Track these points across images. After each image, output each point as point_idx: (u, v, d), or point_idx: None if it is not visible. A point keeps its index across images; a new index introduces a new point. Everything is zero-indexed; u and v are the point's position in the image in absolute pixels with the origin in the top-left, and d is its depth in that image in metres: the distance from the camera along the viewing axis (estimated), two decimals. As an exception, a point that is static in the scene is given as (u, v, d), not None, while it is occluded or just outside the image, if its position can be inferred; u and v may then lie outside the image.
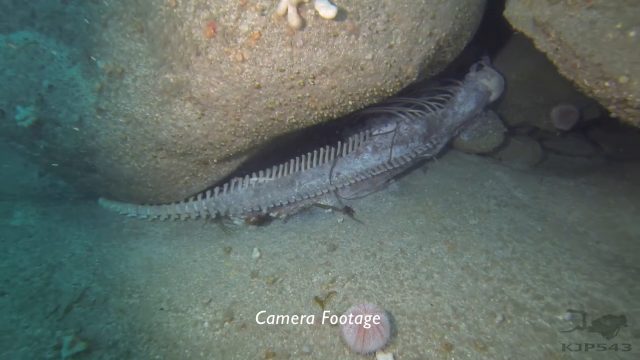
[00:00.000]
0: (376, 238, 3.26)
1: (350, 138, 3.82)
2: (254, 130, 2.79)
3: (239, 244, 3.26)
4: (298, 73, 2.42)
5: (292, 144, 3.88)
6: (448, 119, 4.21)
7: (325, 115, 2.80)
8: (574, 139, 5.37)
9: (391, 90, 2.87)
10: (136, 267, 2.95)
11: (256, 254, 3.08)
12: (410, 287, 2.79)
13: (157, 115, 2.67)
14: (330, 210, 3.58)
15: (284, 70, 2.39)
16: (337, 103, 2.69)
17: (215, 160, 3.07)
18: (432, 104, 4.16)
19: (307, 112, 2.70)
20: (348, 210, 3.51)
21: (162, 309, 2.53)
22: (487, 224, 3.42)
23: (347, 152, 3.76)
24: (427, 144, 4.02)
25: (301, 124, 2.86)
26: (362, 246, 3.17)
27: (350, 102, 2.75)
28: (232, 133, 2.78)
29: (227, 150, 2.97)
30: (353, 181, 3.63)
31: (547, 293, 2.57)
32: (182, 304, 2.64)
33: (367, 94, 2.76)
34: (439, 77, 4.58)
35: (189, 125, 2.69)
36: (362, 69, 2.54)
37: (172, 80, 2.46)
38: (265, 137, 2.94)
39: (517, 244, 3.16)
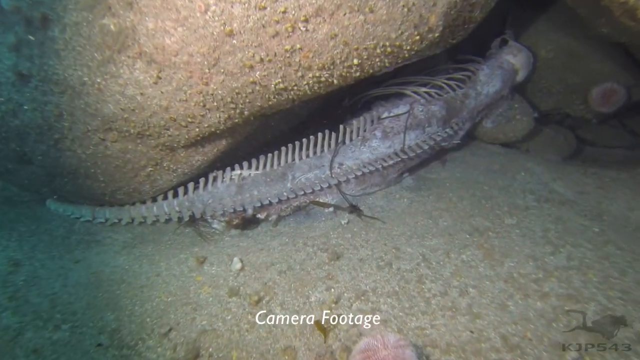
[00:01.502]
0: (391, 243, 2.56)
1: (354, 121, 3.13)
2: (229, 100, 2.10)
3: (217, 253, 2.55)
4: (284, 13, 1.74)
5: (284, 137, 3.19)
6: (470, 100, 3.53)
7: (324, 79, 2.12)
8: (611, 128, 4.68)
9: (408, 48, 2.19)
10: (78, 285, 2.24)
11: (237, 265, 2.38)
12: (439, 306, 2.09)
13: (98, 80, 1.98)
14: (331, 209, 2.88)
15: (264, 9, 1.72)
16: (338, 61, 2.01)
17: (182, 144, 2.38)
18: (451, 83, 3.48)
19: (299, 74, 2.02)
20: (354, 209, 2.81)
21: (100, 344, 1.83)
22: (528, 223, 2.72)
23: (351, 139, 3.07)
24: (447, 130, 3.33)
25: (292, 93, 2.18)
26: (374, 253, 2.46)
27: (355, 62, 2.07)
28: (201, 104, 2.10)
29: (197, 130, 2.28)
30: (359, 173, 2.94)
31: (633, 317, 1.86)
32: (132, 335, 1.93)
33: (378, 50, 2.08)
34: (455, 56, 3.91)
35: (142, 94, 2.01)
36: (371, 10, 1.86)
37: (112, 27, 1.79)
38: (246, 112, 2.26)
39: (572, 248, 2.46)
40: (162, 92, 2.00)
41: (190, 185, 2.85)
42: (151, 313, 2.07)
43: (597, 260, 2.33)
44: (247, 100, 2.15)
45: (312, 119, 3.61)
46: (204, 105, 2.11)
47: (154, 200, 2.89)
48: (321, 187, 2.85)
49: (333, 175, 2.89)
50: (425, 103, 3.28)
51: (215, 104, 2.12)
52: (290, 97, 2.25)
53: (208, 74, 1.95)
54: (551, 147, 4.04)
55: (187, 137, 2.31)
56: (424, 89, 3.35)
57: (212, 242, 2.71)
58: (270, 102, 2.24)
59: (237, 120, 2.34)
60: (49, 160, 2.40)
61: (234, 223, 2.81)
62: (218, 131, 2.38)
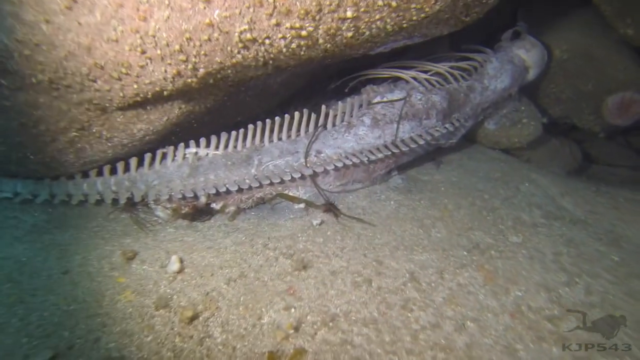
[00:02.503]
0: (372, 254, 2.06)
1: (340, 103, 2.62)
2: (177, 47, 1.57)
3: (153, 248, 2.02)
4: None
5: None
6: (475, 94, 3.06)
7: (305, 34, 1.61)
8: (616, 145, 4.30)
9: (418, 7, 1.69)
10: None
11: (174, 266, 1.84)
12: (429, 344, 1.61)
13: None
14: (302, 205, 2.37)
15: None
16: (327, 9, 1.50)
17: (117, 105, 1.83)
18: (455, 72, 3.01)
19: (273, 21, 1.51)
20: (330, 208, 2.30)
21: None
22: (537, 244, 2.26)
23: (334, 124, 2.56)
24: (447, 125, 2.85)
25: (263, 50, 1.66)
26: (350, 266, 1.96)
27: (349, 14, 1.56)
28: (138, 49, 1.55)
29: (136, 87, 1.73)
30: (340, 165, 2.43)
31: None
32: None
33: (380, 2, 1.57)
34: (461, 45, 3.43)
35: (47, 22, 1.46)
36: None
37: None
38: (202, 70, 1.73)
39: (590, 279, 2.01)
40: (79, 24, 1.45)
41: (133, 161, 2.30)
42: (34, 329, 1.52)
43: (623, 298, 1.88)
44: (202, 52, 1.61)
45: (293, 101, 3.09)
46: (143, 52, 1.57)
47: (85, 175, 2.33)
48: (292, 177, 2.33)
49: (308, 165, 2.38)
50: (425, 91, 2.80)
51: (158, 51, 1.57)
52: (261, 56, 1.72)
53: (147, 5, 1.40)
54: (555, 159, 3.62)
55: (122, 95, 1.76)
56: (424, 76, 2.86)
57: (151, 233, 2.17)
58: (234, 60, 1.71)
59: (191, 81, 1.80)
60: None
61: (183, 212, 2.27)
62: (166, 93, 1.83)
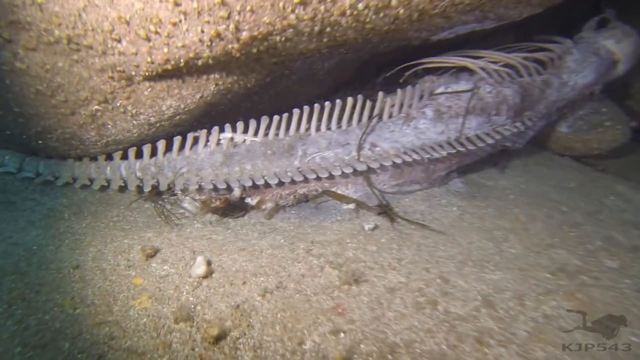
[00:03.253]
0: (435, 269, 1.70)
1: (399, 91, 2.27)
2: (216, 1, 1.25)
3: (176, 245, 1.72)
4: None
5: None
6: (551, 90, 2.65)
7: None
8: None
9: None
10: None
11: (200, 269, 1.54)
12: (518, 395, 1.23)
13: None
14: (352, 206, 2.04)
15: None
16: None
17: (145, 73, 1.54)
18: (529, 64, 2.60)
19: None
20: (385, 210, 1.96)
21: None
22: None
23: (391, 115, 2.21)
24: (518, 124, 2.46)
25: (322, 8, 1.32)
26: (410, 282, 1.61)
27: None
28: (171, 1, 1.25)
29: (166, 50, 1.44)
30: (398, 161, 2.08)
31: None
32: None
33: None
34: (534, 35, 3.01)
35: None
36: None
37: None
38: (245, 34, 1.42)
39: None
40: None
41: (160, 144, 2.02)
42: (31, 336, 1.24)
43: None
44: (248, 7, 1.30)
45: (339, 93, 2.76)
46: (177, 4, 1.27)
47: (110, 158, 2.07)
48: (342, 172, 2.00)
49: (361, 159, 2.04)
50: (495, 83, 2.41)
51: (194, 3, 1.27)
52: (318, 19, 1.41)
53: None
54: (638, 171, 3.14)
55: (150, 60, 1.47)
56: (494, 67, 2.47)
57: (176, 227, 1.87)
58: (285, 22, 1.39)
59: (232, 48, 1.50)
60: None
61: (213, 205, 1.97)
62: (201, 61, 1.53)
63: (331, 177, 2.01)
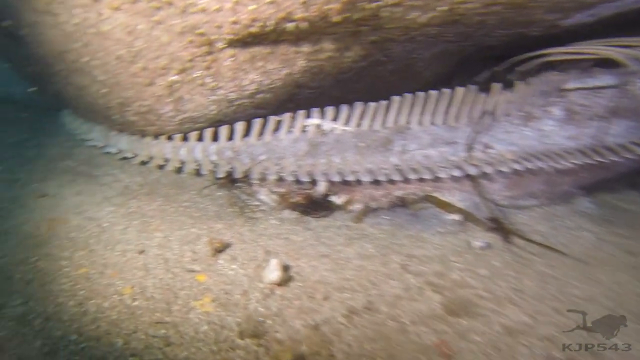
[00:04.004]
0: (573, 315, 1.30)
1: (518, 83, 1.88)
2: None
3: (248, 241, 1.48)
4: None
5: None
6: None
7: None
8: None
9: None
10: (13, 232, 1.31)
11: (274, 274, 1.27)
12: None
13: None
14: (457, 216, 1.67)
15: None
16: None
17: (227, 37, 1.32)
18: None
19: None
20: (499, 226, 1.58)
21: None
22: None
23: (508, 113, 1.83)
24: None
25: None
26: (538, 326, 1.24)
27: None
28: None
29: (254, 6, 1.19)
30: (518, 167, 1.69)
31: None
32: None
33: None
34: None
35: None
36: None
37: None
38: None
39: None
40: None
41: (239, 126, 1.80)
42: (84, 325, 1.05)
43: None
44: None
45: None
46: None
47: (185, 139, 1.89)
48: (447, 174, 1.65)
49: (470, 161, 1.68)
50: (649, 80, 1.92)
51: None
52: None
53: None
54: None
55: (234, 20, 1.24)
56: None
57: (250, 221, 1.63)
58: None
59: (332, 9, 1.22)
60: (31, 36, 1.47)
61: (292, 200, 1.71)
62: (292, 24, 1.28)
63: (435, 179, 1.66)
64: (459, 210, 1.65)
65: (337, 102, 1.97)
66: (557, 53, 2.06)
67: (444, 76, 2.47)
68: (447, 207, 1.66)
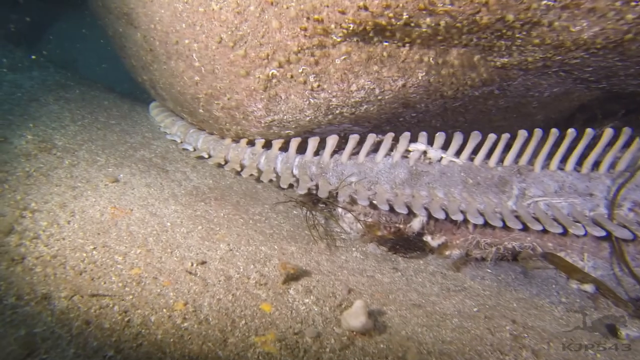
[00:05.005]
0: None
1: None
2: None
3: (326, 273, 1.23)
4: None
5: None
6: None
7: None
8: None
9: None
10: (79, 218, 1.16)
11: (357, 320, 1.01)
12: None
13: None
14: (589, 287, 1.32)
15: None
16: None
17: (347, 28, 1.13)
18: None
19: None
20: (651, 312, 1.21)
21: None
22: None
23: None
24: None
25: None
26: None
27: None
28: None
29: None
30: (679, 238, 1.32)
31: None
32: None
33: None
34: None
35: None
36: None
37: None
38: None
39: None
40: None
41: (331, 141, 1.60)
42: (124, 338, 0.85)
43: None
44: None
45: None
46: None
47: (268, 146, 1.72)
48: (578, 232, 1.31)
49: (615, 220, 1.33)
50: None
51: None
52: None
53: None
54: None
55: (363, 5, 1.04)
56: None
57: (329, 249, 1.39)
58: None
59: (481, 3, 0.98)
60: (142, 15, 1.38)
61: (380, 234, 1.45)
62: (429, 20, 1.07)
63: (562, 235, 1.33)
64: (591, 280, 1.30)
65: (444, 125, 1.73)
66: None
67: (556, 121, 2.16)
68: (574, 272, 1.31)
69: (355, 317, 1.00)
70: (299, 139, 1.66)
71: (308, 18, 1.14)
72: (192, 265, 1.16)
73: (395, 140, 1.56)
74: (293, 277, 1.17)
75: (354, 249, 1.40)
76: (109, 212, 1.29)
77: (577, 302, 1.28)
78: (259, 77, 1.35)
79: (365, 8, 1.04)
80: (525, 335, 1.12)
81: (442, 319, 1.12)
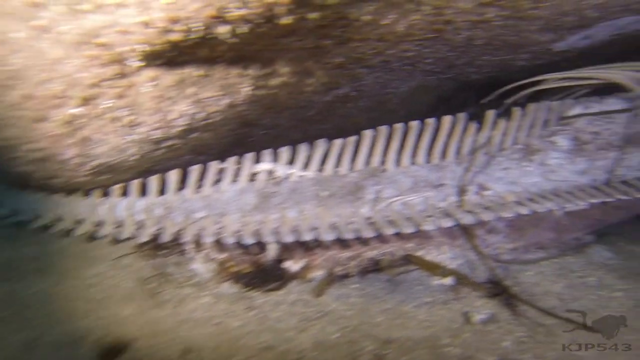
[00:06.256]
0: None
1: (517, 110, 1.56)
2: None
3: (161, 335, 1.05)
4: None
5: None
6: None
7: None
8: None
9: None
10: None
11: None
12: None
13: None
14: (449, 280, 1.28)
15: None
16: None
17: (141, 50, 0.97)
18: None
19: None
20: (503, 290, 1.19)
21: None
22: None
23: (503, 147, 1.49)
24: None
25: None
26: None
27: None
28: None
29: (166, 1, 0.85)
30: (524, 212, 1.34)
31: None
32: None
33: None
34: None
35: None
36: None
37: None
38: None
39: None
40: None
41: (173, 176, 1.43)
42: None
43: None
44: None
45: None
46: None
47: (105, 194, 1.50)
48: (433, 226, 1.27)
49: (463, 207, 1.31)
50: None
51: None
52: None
53: None
54: None
55: (147, 20, 0.90)
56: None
57: (173, 300, 1.21)
58: None
59: (275, 3, 0.90)
60: None
61: (234, 269, 1.31)
62: (226, 28, 0.97)
63: (418, 234, 1.29)
64: (451, 273, 1.26)
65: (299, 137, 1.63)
66: (553, 79, 1.77)
67: (421, 117, 2.19)
68: (435, 268, 1.27)
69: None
70: (139, 181, 1.47)
71: (90, 43, 0.97)
72: None
73: (241, 163, 1.44)
74: (121, 349, 0.98)
75: (204, 293, 1.25)
76: None
77: (441, 298, 1.24)
78: (58, 119, 1.15)
79: (149, 25, 0.89)
80: (389, 350, 1.03)
81: (297, 358, 1.00)
